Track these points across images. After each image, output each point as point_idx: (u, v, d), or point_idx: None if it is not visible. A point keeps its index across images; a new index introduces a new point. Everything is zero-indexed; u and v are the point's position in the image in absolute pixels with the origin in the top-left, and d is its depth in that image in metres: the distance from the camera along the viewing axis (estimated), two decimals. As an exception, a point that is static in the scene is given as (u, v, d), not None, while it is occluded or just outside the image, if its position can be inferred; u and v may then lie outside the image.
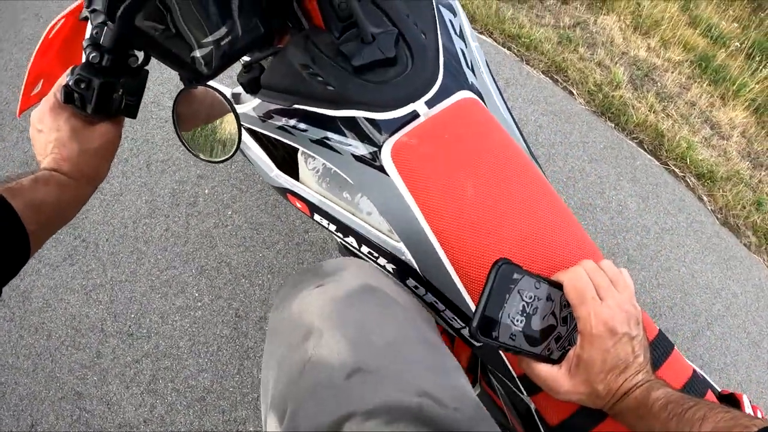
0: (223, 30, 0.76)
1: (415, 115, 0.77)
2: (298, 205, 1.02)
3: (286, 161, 1.06)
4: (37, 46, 0.96)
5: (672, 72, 3.33)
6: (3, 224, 0.57)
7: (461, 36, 0.95)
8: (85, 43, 0.65)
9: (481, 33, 2.88)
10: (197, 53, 0.75)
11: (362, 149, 0.79)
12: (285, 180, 1.02)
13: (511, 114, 0.99)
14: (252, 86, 0.93)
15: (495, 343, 0.59)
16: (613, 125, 2.71)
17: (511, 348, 0.59)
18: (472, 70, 0.92)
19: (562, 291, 0.62)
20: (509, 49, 2.81)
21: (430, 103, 0.78)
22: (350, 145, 0.81)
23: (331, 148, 0.84)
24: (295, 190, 0.99)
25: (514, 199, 0.73)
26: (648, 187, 2.50)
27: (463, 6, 2.92)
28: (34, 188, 0.62)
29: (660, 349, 0.72)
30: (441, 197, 0.72)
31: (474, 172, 0.73)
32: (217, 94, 0.76)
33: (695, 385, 0.71)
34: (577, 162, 2.40)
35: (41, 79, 1.02)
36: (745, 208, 2.74)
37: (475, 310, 0.58)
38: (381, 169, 0.77)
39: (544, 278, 0.62)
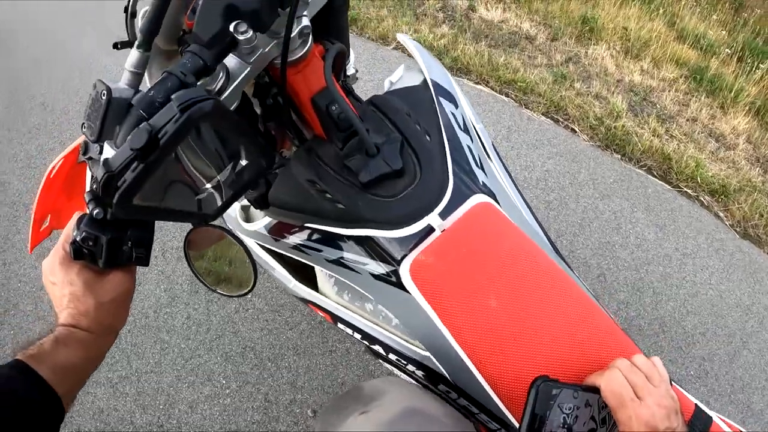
0: (228, 170, 0.75)
1: (430, 230, 0.77)
2: (321, 314, 1.03)
3: (304, 270, 1.05)
4: (41, 185, 0.99)
5: (669, 91, 3.38)
6: (35, 396, 0.58)
7: (465, 129, 0.95)
8: (86, 197, 0.62)
9: (477, 83, 2.96)
10: (202, 196, 0.75)
11: (380, 268, 0.80)
12: (304, 291, 1.02)
13: (523, 198, 1.00)
14: (260, 203, 0.94)
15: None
16: (619, 156, 2.74)
17: None
18: (482, 167, 0.92)
19: (599, 394, 0.64)
20: (507, 95, 2.88)
21: (443, 214, 0.78)
22: (367, 264, 0.82)
23: (348, 267, 0.85)
24: (316, 302, 1.00)
25: (539, 305, 0.74)
26: (663, 214, 2.51)
27: (455, 59, 3.02)
28: (56, 351, 0.62)
29: (699, 423, 0.74)
30: (465, 313, 0.73)
31: (495, 283, 0.74)
32: (224, 233, 0.78)
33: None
34: (590, 201, 2.42)
35: (48, 214, 1.05)
36: (762, 216, 2.74)
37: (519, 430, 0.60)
38: (401, 286, 0.77)
39: (581, 386, 0.65)
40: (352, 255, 0.83)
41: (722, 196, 2.76)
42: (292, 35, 0.70)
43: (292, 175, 0.85)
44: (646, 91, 3.29)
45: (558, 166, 2.54)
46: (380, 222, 0.77)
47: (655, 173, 2.74)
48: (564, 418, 0.63)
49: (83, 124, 0.62)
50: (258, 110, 0.89)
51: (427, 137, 0.85)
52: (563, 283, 0.79)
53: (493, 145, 1.03)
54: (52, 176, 0.99)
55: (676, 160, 2.80)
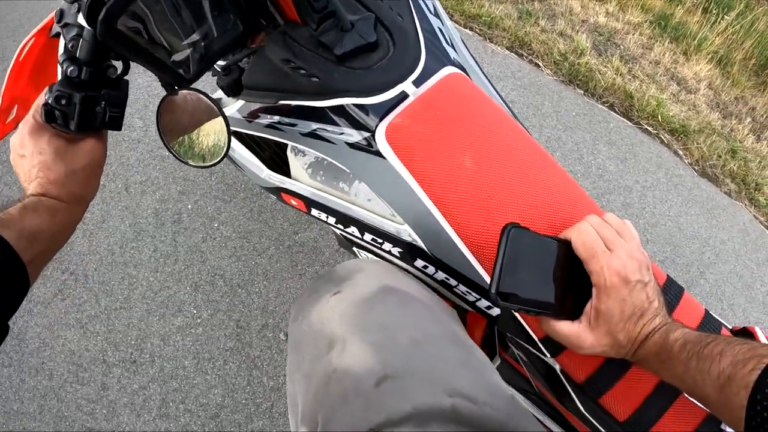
0: (199, 33, 0.74)
1: (404, 96, 0.77)
2: (294, 202, 1.02)
3: (276, 160, 1.05)
4: (8, 70, 0.94)
5: (633, 34, 3.37)
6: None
7: (436, 14, 0.95)
8: (60, 58, 0.63)
9: (441, 18, 2.90)
10: (176, 57, 0.74)
11: (356, 136, 0.80)
12: (277, 179, 1.01)
13: (492, 85, 0.99)
14: (233, 89, 0.92)
15: (515, 306, 0.60)
16: (582, 92, 2.74)
17: (531, 310, 0.61)
18: (453, 46, 0.92)
19: (571, 248, 0.63)
20: (471, 29, 2.83)
21: (417, 82, 0.78)
22: (342, 133, 0.81)
23: (323, 139, 0.84)
24: (289, 188, 0.99)
25: (513, 166, 0.74)
26: (624, 148, 2.53)
27: (420, -7, 2.94)
28: (24, 217, 0.60)
29: (671, 293, 0.74)
30: (441, 173, 0.72)
31: (470, 144, 0.74)
32: (201, 96, 0.75)
33: (709, 324, 0.73)
34: (553, 131, 2.42)
35: (15, 104, 0.99)
36: (720, 157, 2.79)
37: (491, 277, 0.58)
38: (377, 153, 0.77)
39: (553, 237, 0.64)
40: (326, 125, 0.83)
41: (682, 135, 2.80)
42: None
43: (266, 56, 0.84)
44: (611, 32, 3.27)
45: (522, 98, 2.52)
46: (355, 91, 0.77)
47: (617, 110, 2.75)
48: (537, 266, 0.61)
49: None
50: None
51: (399, 17, 0.85)
52: (536, 151, 0.79)
53: (462, 40, 1.01)
54: (21, 59, 0.95)
55: (637, 98, 2.82)
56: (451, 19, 2.76)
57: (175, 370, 1.63)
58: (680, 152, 2.75)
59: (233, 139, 1.03)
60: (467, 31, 2.80)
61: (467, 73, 0.89)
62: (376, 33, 0.80)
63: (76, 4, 0.64)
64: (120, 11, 0.57)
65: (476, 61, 1.00)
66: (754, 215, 2.66)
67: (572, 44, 2.95)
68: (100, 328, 1.68)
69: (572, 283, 0.63)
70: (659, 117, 2.78)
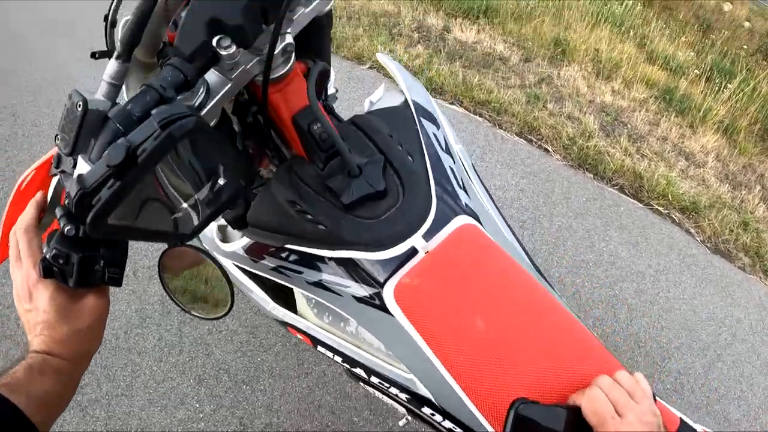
0: (206, 188, 0.71)
1: (413, 252, 0.75)
2: (300, 336, 1.00)
3: (283, 292, 1.02)
4: (10, 198, 0.94)
5: (639, 111, 3.45)
6: (12, 426, 0.55)
7: (447, 150, 0.93)
8: (57, 213, 0.60)
9: (451, 103, 3.00)
10: (179, 215, 0.71)
11: (362, 290, 0.78)
12: (283, 313, 0.99)
13: (504, 219, 0.99)
14: (238, 223, 0.91)
15: None
16: (592, 176, 2.79)
17: None
18: (464, 188, 0.90)
19: (580, 414, 0.63)
20: (480, 115, 2.92)
21: (427, 236, 0.75)
22: (349, 286, 0.79)
23: (329, 289, 0.83)
24: (295, 324, 0.97)
25: (525, 326, 0.73)
26: (636, 232, 2.55)
27: (430, 80, 3.05)
28: (31, 380, 0.59)
29: None
30: (451, 334, 0.71)
31: (481, 304, 0.73)
32: (200, 254, 0.75)
33: None
34: (563, 219, 2.46)
35: None
36: (732, 231, 2.81)
37: None
38: (384, 309, 0.75)
39: (562, 406, 0.64)
40: (333, 277, 0.81)
41: (693, 213, 2.82)
42: (275, 52, 0.69)
43: (272, 195, 0.83)
44: (618, 111, 3.36)
45: (532, 186, 2.57)
46: (363, 244, 0.75)
47: (627, 191, 2.79)
48: None
49: (57, 135, 0.60)
50: (237, 128, 0.87)
51: (410, 158, 0.84)
52: (546, 302, 0.79)
53: (473, 165, 1.03)
54: (22, 189, 0.94)
55: (647, 178, 2.86)
56: (461, 105, 2.87)
57: (179, 467, 1.63)
58: (692, 230, 2.77)
59: (240, 272, 1.03)
60: (477, 117, 2.89)
61: (480, 220, 0.87)
62: (385, 178, 0.78)
63: (72, 159, 0.61)
64: (109, 212, 0.55)
65: (489, 194, 1.00)
66: (770, 287, 2.64)
67: (580, 127, 3.03)
68: (100, 413, 1.67)
69: None
70: (669, 196, 2.82)
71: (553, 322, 0.76)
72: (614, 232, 2.50)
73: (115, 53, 0.62)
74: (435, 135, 0.93)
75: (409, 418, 1.45)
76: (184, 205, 0.71)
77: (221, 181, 0.72)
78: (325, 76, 0.93)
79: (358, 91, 3.03)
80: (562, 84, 3.41)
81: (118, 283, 0.69)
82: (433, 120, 0.95)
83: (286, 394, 1.75)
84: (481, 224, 0.85)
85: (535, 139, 2.88)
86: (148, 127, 0.53)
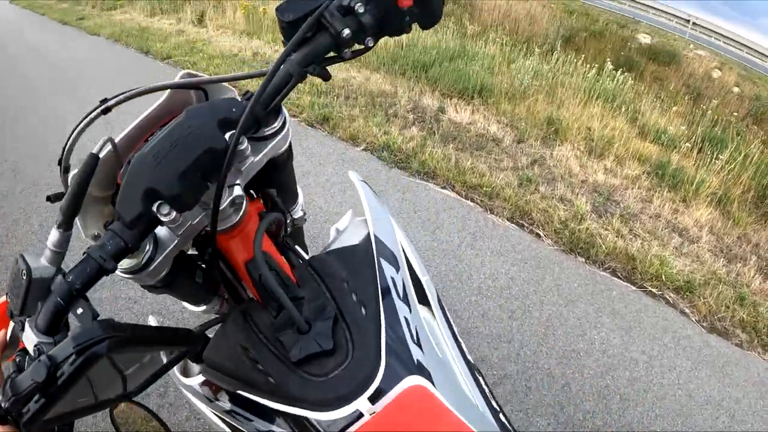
0: (147, 358, 0.73)
1: (359, 415, 0.74)
2: None
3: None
4: None
5: (632, 188, 3.53)
6: None
7: (405, 298, 0.92)
8: (10, 366, 0.59)
9: (443, 188, 3.09)
10: (128, 377, 0.71)
11: None
12: None
13: (466, 360, 0.98)
14: (196, 358, 0.91)
15: None
16: (584, 260, 2.83)
17: None
18: (419, 342, 0.89)
19: None
20: (472, 200, 3.00)
21: (373, 398, 0.74)
22: None
23: None
24: None
25: None
26: (629, 316, 2.57)
27: (423, 163, 3.15)
28: None
29: None
30: None
31: None
32: (147, 413, 0.78)
33: None
34: (554, 308, 2.49)
35: None
36: (728, 307, 2.81)
37: None
38: None
39: None
40: (282, 431, 0.82)
41: (687, 292, 2.84)
42: (222, 207, 0.70)
43: (228, 336, 0.84)
44: (610, 190, 3.43)
45: (522, 273, 2.62)
46: (309, 402, 0.74)
47: (619, 275, 2.82)
48: None
49: (7, 293, 0.61)
50: (198, 261, 0.90)
51: (363, 309, 0.83)
52: None
53: (438, 299, 1.04)
54: None
55: (640, 260, 2.90)
56: (453, 190, 2.96)
57: None
58: (687, 310, 2.77)
59: (202, 405, 1.03)
60: (468, 202, 2.97)
61: (432, 377, 0.85)
62: (335, 332, 0.77)
63: (20, 321, 0.62)
64: (40, 419, 0.54)
65: (451, 326, 1.00)
66: (769, 362, 2.62)
67: (572, 209, 3.10)
68: None
69: None
70: (663, 276, 2.84)
71: None
72: (606, 319, 2.52)
73: (56, 222, 0.63)
74: (393, 279, 0.91)
75: None
76: (133, 368, 0.73)
77: (162, 357, 0.75)
78: (280, 223, 0.95)
79: (348, 175, 3.10)
80: (555, 164, 3.50)
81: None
82: (394, 260, 0.95)
83: None
84: (433, 383, 0.83)
85: (526, 224, 2.95)
86: (66, 348, 0.54)
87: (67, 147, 0.76)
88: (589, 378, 2.23)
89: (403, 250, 1.00)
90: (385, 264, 0.92)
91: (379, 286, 0.86)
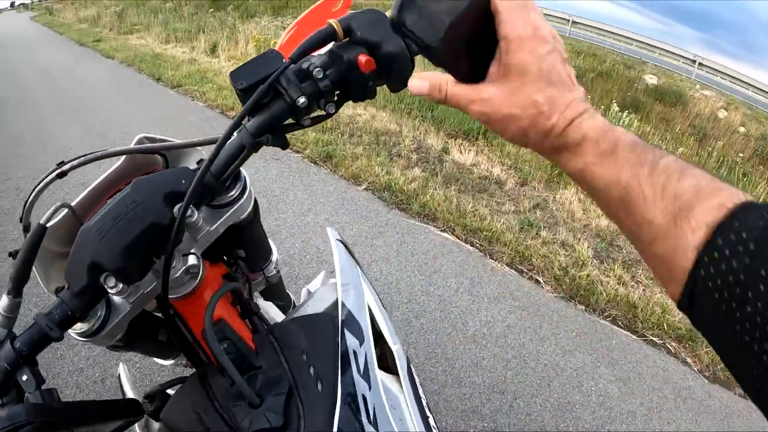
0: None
1: None
2: None
3: None
4: None
5: (635, 233, 3.49)
6: None
7: (366, 374, 0.90)
8: None
9: (443, 230, 3.10)
10: None
11: None
12: None
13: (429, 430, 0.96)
14: (155, 415, 0.90)
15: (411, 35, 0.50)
16: (583, 308, 2.80)
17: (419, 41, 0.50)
18: (375, 423, 0.86)
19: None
20: (472, 244, 3.00)
21: None
22: None
23: None
24: None
25: None
26: (628, 367, 2.53)
27: (424, 205, 3.16)
28: None
29: None
30: None
31: None
32: None
33: None
34: (551, 358, 2.45)
35: None
36: (733, 357, 2.75)
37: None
38: None
39: None
40: None
41: (689, 342, 2.79)
42: (176, 276, 0.71)
43: (184, 399, 0.83)
44: (613, 234, 3.41)
45: (520, 321, 2.59)
46: None
47: (620, 323, 2.79)
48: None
49: None
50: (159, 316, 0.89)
51: (319, 385, 0.81)
52: None
53: (408, 368, 1.01)
54: None
55: (641, 307, 2.87)
56: (452, 234, 2.95)
57: None
58: (689, 360, 2.73)
59: None
60: (468, 246, 2.97)
61: None
62: (288, 408, 0.76)
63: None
64: None
65: (418, 396, 0.98)
66: (773, 412, 2.56)
67: (573, 255, 3.08)
68: None
69: (479, 47, 0.52)
70: (665, 325, 2.81)
71: None
72: (605, 369, 2.48)
73: (6, 289, 0.64)
74: (356, 353, 0.89)
75: None
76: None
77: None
78: (238, 292, 0.92)
79: (350, 214, 3.13)
80: (557, 208, 3.50)
81: None
82: (359, 332, 0.93)
83: None
84: None
85: (526, 270, 2.93)
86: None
87: (26, 206, 0.77)
88: (584, 432, 2.19)
89: (373, 319, 0.99)
90: (348, 336, 0.90)
91: (339, 360, 0.85)
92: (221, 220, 0.78)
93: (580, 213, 3.53)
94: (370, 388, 0.88)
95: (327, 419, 0.77)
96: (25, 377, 0.59)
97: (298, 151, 4.02)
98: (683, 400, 2.47)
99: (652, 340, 2.75)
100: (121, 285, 0.62)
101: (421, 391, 1.00)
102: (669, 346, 2.75)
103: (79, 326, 0.70)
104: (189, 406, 0.82)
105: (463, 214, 3.15)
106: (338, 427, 0.77)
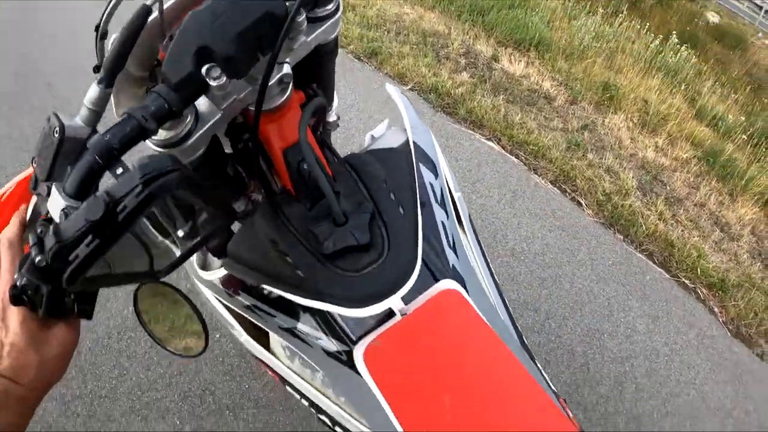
0: (187, 227, 0.70)
1: (390, 314, 0.72)
2: (270, 373, 0.97)
3: (255, 327, 0.98)
4: None
5: (680, 171, 3.35)
6: None
7: (442, 203, 0.89)
8: (30, 240, 0.56)
9: (489, 139, 2.93)
10: (155, 253, 0.70)
11: (334, 346, 0.76)
12: (255, 349, 0.96)
13: (495, 282, 0.94)
14: (218, 251, 0.87)
15: None
16: (622, 238, 2.70)
17: None
18: (454, 248, 0.86)
19: None
20: (517, 156, 2.84)
21: (406, 298, 0.72)
22: (320, 339, 0.77)
23: (301, 339, 0.80)
24: (265, 361, 0.94)
25: (494, 408, 0.70)
26: (658, 304, 2.46)
27: (470, 111, 2.98)
28: None
29: None
30: (418, 407, 0.69)
31: (452, 379, 0.70)
32: (176, 293, 0.72)
33: None
34: (585, 283, 2.37)
35: None
36: (757, 315, 2.70)
37: None
38: (354, 368, 0.72)
39: None
40: (306, 327, 0.78)
41: (719, 291, 2.72)
42: (270, 83, 0.66)
43: (255, 230, 0.79)
44: (658, 169, 3.26)
45: (558, 241, 2.49)
46: (339, 298, 0.70)
47: (656, 259, 2.69)
48: None
49: (33, 158, 0.57)
50: (228, 149, 0.84)
51: (401, 209, 0.78)
52: (525, 386, 0.74)
53: (470, 217, 0.97)
54: (3, 200, 0.92)
55: (678, 247, 2.76)
56: (498, 143, 2.80)
57: (148, 483, 1.58)
58: (716, 309, 2.66)
59: (214, 300, 1.00)
60: (513, 158, 2.82)
61: (466, 284, 0.82)
62: (371, 230, 0.73)
63: (46, 186, 0.60)
64: (87, 268, 0.52)
65: (481, 247, 0.95)
66: (787, 379, 2.54)
67: (618, 183, 2.94)
68: (81, 410, 1.63)
69: None
70: (699, 269, 2.72)
71: (528, 408, 0.72)
72: (635, 303, 2.41)
73: (97, 78, 0.58)
74: (432, 185, 0.88)
75: None
76: (162, 242, 0.70)
77: (201, 221, 0.71)
78: (323, 110, 0.90)
79: (394, 112, 2.96)
80: (606, 132, 3.32)
81: (88, 316, 0.67)
82: (432, 167, 0.91)
83: (268, 426, 1.70)
84: (467, 290, 0.80)
85: (569, 190, 2.80)
86: (130, 181, 0.49)
87: (107, 11, 0.71)
88: (608, 361, 2.14)
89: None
90: (423, 169, 0.89)
91: (417, 189, 0.82)
92: (315, 33, 0.73)
93: (628, 141, 3.34)
94: (447, 217, 0.88)
95: (412, 241, 0.75)
96: (120, 170, 0.54)
97: (342, 47, 3.72)
98: (705, 348, 2.42)
99: (684, 282, 2.66)
100: (224, 78, 0.56)
101: (480, 240, 0.99)
102: (699, 292, 2.67)
103: (164, 134, 0.63)
104: (261, 235, 0.78)
105: (510, 125, 2.96)
106: (423, 250, 0.75)
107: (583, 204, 2.76)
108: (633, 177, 3.04)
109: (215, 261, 0.93)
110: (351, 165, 0.84)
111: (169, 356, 1.76)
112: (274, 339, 0.92)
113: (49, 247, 0.50)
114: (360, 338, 0.73)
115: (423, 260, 0.75)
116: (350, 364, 0.73)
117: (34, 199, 0.76)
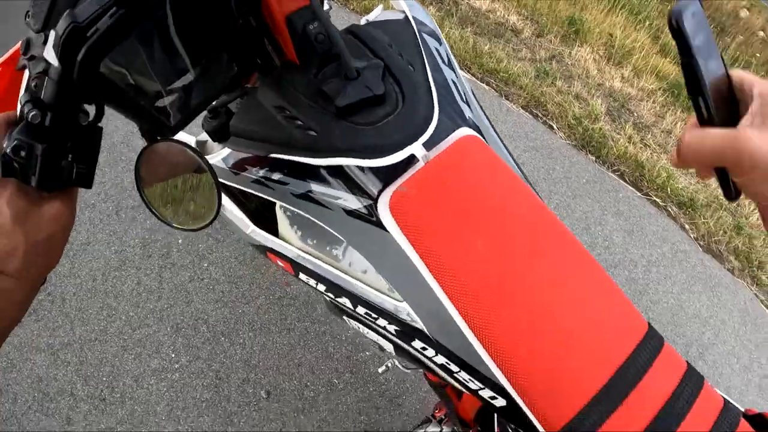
0: (191, 75, 0.65)
1: (412, 159, 0.69)
2: (280, 263, 0.92)
3: (263, 213, 0.94)
4: None
5: (647, 101, 3.38)
6: None
7: (449, 64, 0.86)
8: (22, 99, 0.53)
9: (459, 68, 2.88)
10: (161, 103, 0.64)
11: (355, 203, 0.71)
12: (263, 237, 0.91)
13: (505, 146, 0.91)
14: (220, 134, 0.84)
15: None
16: (594, 158, 2.72)
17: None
18: (467, 103, 0.83)
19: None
20: (488, 84, 2.81)
21: (428, 145, 0.69)
22: (339, 198, 0.73)
23: (317, 202, 0.75)
24: (276, 248, 0.89)
25: (528, 251, 0.68)
26: (632, 220, 2.50)
27: (439, 41, 2.93)
28: None
29: (652, 344, 0.70)
30: (450, 253, 0.65)
31: (483, 223, 0.67)
32: (186, 149, 0.64)
33: (690, 378, 0.68)
34: (562, 198, 2.39)
35: None
36: (726, 233, 2.77)
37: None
38: (378, 224, 0.69)
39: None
40: (322, 188, 0.74)
41: (689, 209, 2.78)
42: None
43: (258, 101, 0.76)
44: (625, 98, 3.28)
45: (534, 160, 2.49)
46: (357, 150, 0.68)
47: (627, 179, 2.73)
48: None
49: (27, 12, 0.52)
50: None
51: (411, 67, 0.76)
52: (553, 226, 0.73)
53: (472, 91, 0.94)
54: None
55: (648, 168, 2.80)
56: (468, 71, 2.77)
57: (146, 416, 1.53)
58: (687, 226, 2.73)
59: None
60: (483, 85, 2.79)
61: (482, 134, 0.80)
62: (384, 84, 0.71)
63: (43, 35, 0.54)
64: (106, 51, 0.49)
65: (489, 120, 0.92)
66: (756, 294, 2.64)
67: (587, 108, 2.94)
68: (71, 358, 1.57)
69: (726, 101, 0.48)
70: (668, 189, 2.77)
71: (559, 249, 0.70)
72: (611, 218, 2.43)
73: None
74: (437, 50, 0.85)
75: (390, 365, 1.40)
76: (173, 86, 0.65)
77: (214, 65, 0.67)
78: None
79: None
80: (573, 63, 3.31)
81: (87, 182, 0.60)
82: (435, 36, 0.87)
83: (265, 349, 1.66)
84: (485, 139, 0.78)
85: (540, 114, 2.79)
86: None
87: None
88: (589, 271, 2.17)
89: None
90: (426, 37, 0.85)
91: (423, 51, 0.81)
92: None
93: (595, 72, 3.34)
94: (456, 76, 0.86)
95: (426, 92, 0.74)
96: None
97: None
98: (678, 262, 2.48)
99: (655, 200, 2.71)
100: None
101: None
102: (670, 210, 2.73)
103: None
104: (267, 105, 0.75)
105: (479, 54, 2.92)
106: (438, 102, 0.73)
107: (555, 127, 2.76)
108: (602, 104, 3.05)
109: (216, 146, 0.91)
110: (353, 34, 0.80)
111: (158, 289, 1.70)
112: (284, 223, 0.88)
113: (62, 31, 0.46)
114: (383, 189, 0.69)
115: (440, 110, 0.73)
116: (374, 220, 0.70)
117: (24, 81, 0.69)
